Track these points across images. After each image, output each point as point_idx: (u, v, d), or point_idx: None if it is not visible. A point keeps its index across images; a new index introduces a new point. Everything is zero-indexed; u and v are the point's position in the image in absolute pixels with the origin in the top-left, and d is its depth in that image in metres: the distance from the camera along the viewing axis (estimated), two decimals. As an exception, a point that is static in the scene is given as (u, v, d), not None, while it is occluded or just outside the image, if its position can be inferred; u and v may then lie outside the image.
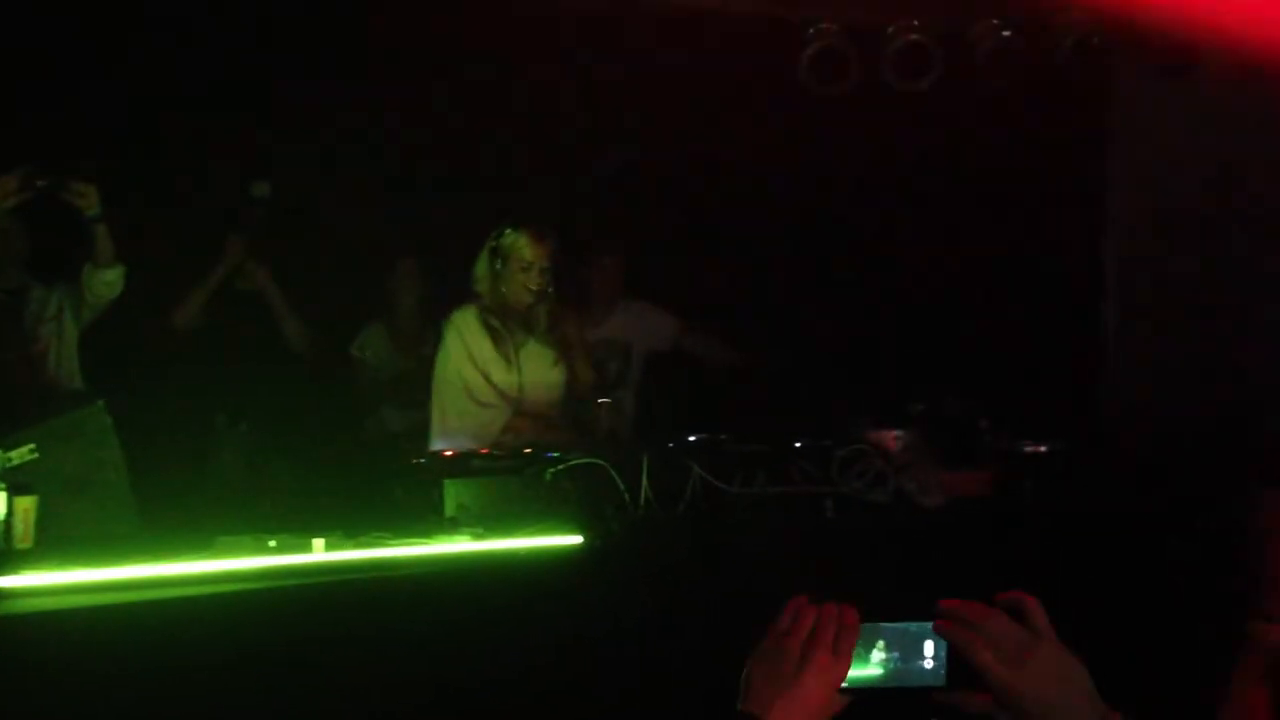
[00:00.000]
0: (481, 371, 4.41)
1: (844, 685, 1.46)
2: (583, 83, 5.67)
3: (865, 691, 1.47)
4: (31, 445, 3.23)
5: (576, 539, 3.44)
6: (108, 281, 4.40)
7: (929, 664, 1.47)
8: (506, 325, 4.45)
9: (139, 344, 4.91)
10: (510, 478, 3.69)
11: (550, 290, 4.46)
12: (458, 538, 3.42)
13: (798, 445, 4.00)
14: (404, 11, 5.32)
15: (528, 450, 3.94)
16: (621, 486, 3.68)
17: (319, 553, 3.21)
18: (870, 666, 1.47)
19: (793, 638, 1.47)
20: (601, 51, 5.60)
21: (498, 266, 4.40)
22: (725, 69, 5.75)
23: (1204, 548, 3.88)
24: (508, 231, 4.41)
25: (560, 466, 3.68)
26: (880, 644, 1.48)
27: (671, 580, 3.44)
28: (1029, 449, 4.42)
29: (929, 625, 1.46)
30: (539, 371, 4.49)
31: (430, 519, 3.56)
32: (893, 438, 4.15)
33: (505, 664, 3.13)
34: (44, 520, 3.17)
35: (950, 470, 4.11)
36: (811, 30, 5.63)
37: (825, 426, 4.25)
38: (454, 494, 3.60)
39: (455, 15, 5.32)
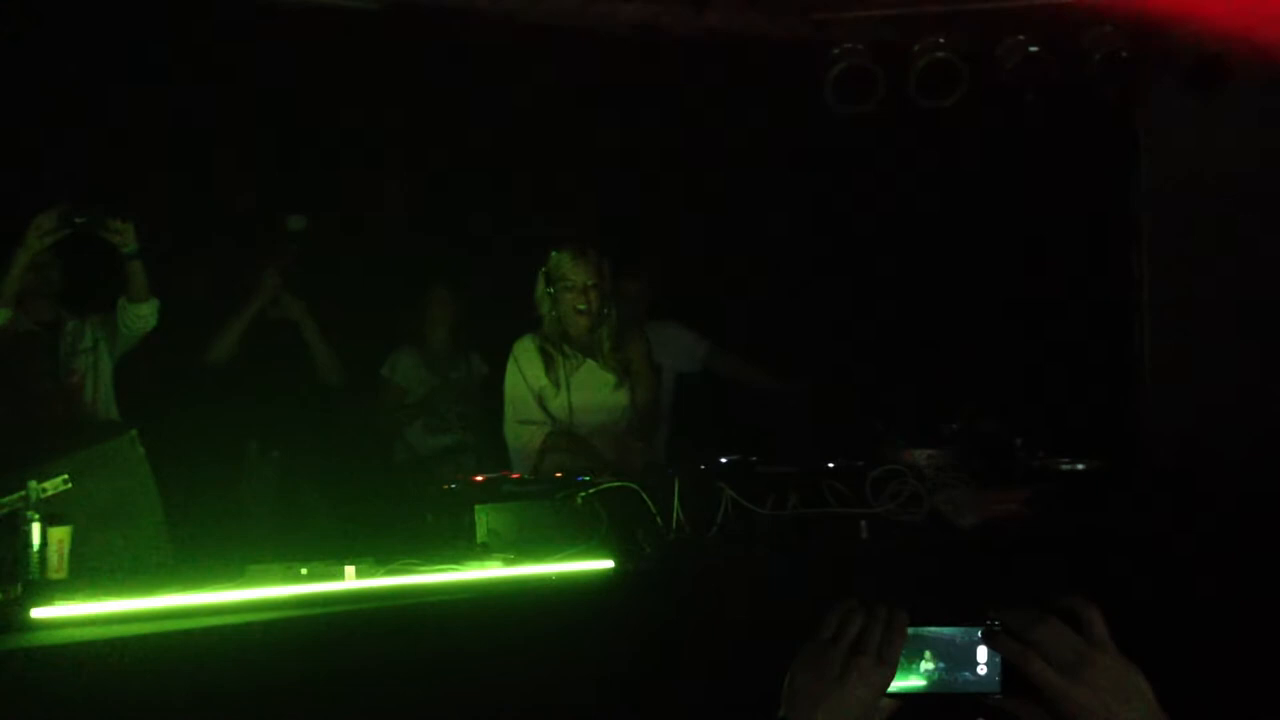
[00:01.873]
0: (533, 392, 4.47)
1: (890, 692, 1.43)
2: (611, 107, 5.68)
3: (912, 698, 1.45)
4: (65, 476, 3.25)
5: (609, 563, 3.41)
6: (142, 315, 4.45)
7: (982, 669, 1.44)
8: (562, 349, 4.51)
9: (172, 373, 4.94)
10: (542, 502, 3.68)
11: (609, 311, 4.51)
12: (489, 563, 3.40)
13: (830, 466, 3.97)
14: (430, 37, 5.36)
15: (559, 475, 3.93)
16: (653, 510, 3.65)
17: (350, 580, 3.20)
18: (917, 676, 1.45)
19: (838, 642, 1.44)
20: (630, 75, 5.61)
21: (551, 291, 4.48)
22: (752, 91, 5.75)
23: (1242, 567, 3.83)
24: (552, 254, 4.49)
25: (592, 490, 3.67)
26: (927, 653, 1.45)
27: (705, 604, 3.42)
28: (1064, 468, 4.38)
29: (978, 631, 1.43)
30: (594, 395, 4.52)
31: (462, 545, 3.54)
32: (927, 458, 4.12)
33: (539, 689, 3.11)
34: (77, 550, 3.18)
35: (985, 490, 4.07)
36: (836, 50, 5.62)
37: (858, 447, 4.22)
38: (485, 519, 3.59)
39: (484, 39, 5.36)
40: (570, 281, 4.44)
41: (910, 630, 1.44)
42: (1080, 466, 4.41)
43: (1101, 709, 1.36)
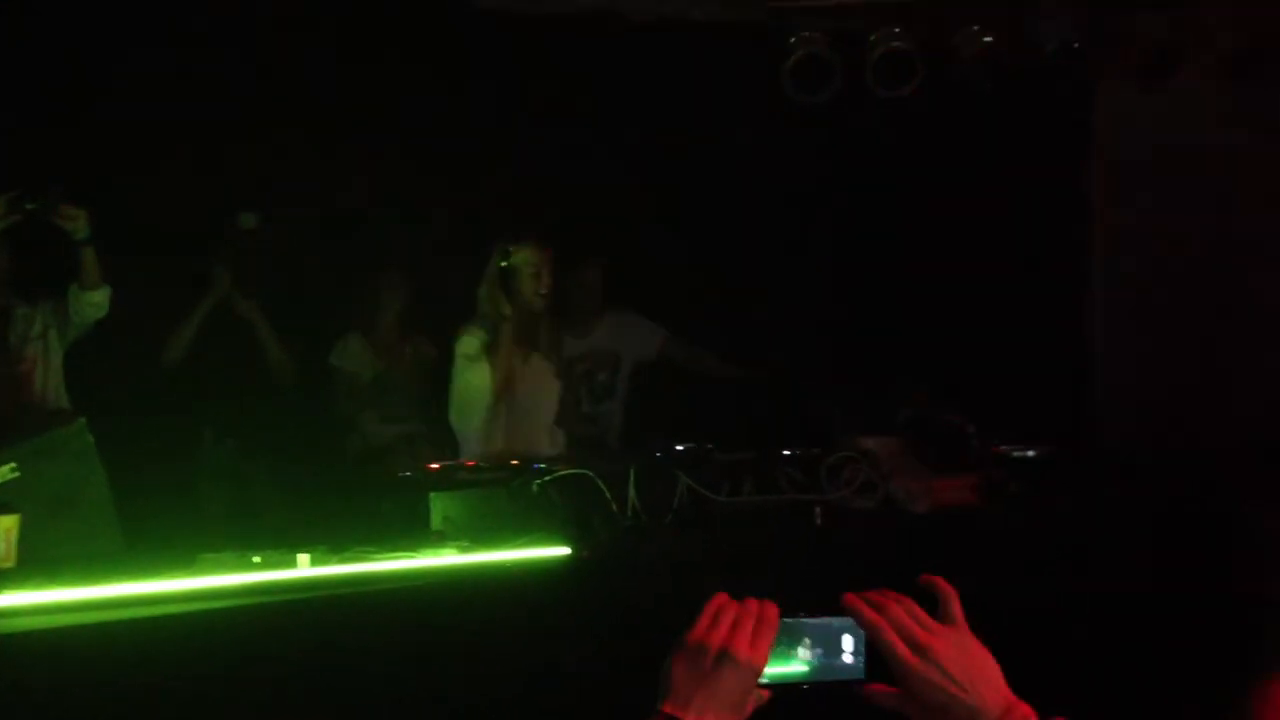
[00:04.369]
0: (480, 386, 4.53)
1: (767, 681, 1.46)
2: (560, 91, 5.67)
3: (791, 688, 1.48)
4: (13, 465, 3.21)
5: (564, 550, 3.42)
6: (94, 303, 4.40)
7: (849, 659, 1.47)
8: (506, 341, 4.57)
9: (124, 361, 4.90)
10: (497, 490, 3.68)
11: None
12: (444, 551, 3.39)
13: (785, 453, 3.99)
14: (388, 25, 5.33)
15: (514, 462, 3.93)
16: (609, 497, 3.66)
17: (304, 568, 3.18)
18: (796, 663, 1.48)
19: (712, 634, 1.47)
20: (581, 60, 5.60)
21: (513, 285, 4.56)
22: (708, 77, 5.76)
23: (1195, 550, 3.88)
24: (512, 249, 4.56)
25: (547, 478, 3.67)
26: (806, 640, 1.48)
27: (660, 591, 3.43)
28: (1016, 454, 4.43)
29: (850, 621, 1.47)
30: (537, 386, 4.63)
31: (416, 532, 3.54)
32: (881, 445, 4.15)
33: (493, 677, 3.11)
34: (26, 539, 3.14)
35: (938, 476, 4.11)
36: (794, 39, 5.63)
37: (813, 434, 4.24)
38: (440, 507, 3.58)
39: (440, 27, 5.34)
40: (535, 267, 4.55)
41: (787, 619, 1.48)
42: (1032, 453, 4.46)
43: (948, 687, 1.40)
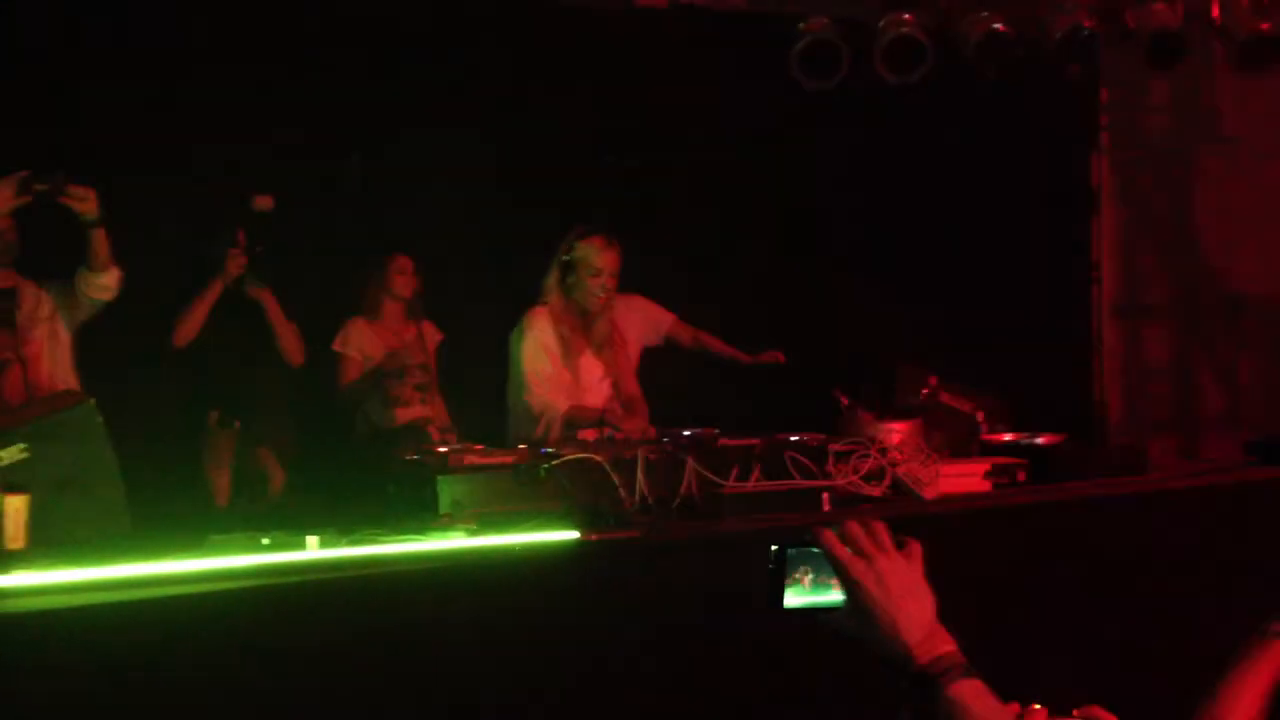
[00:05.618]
0: (549, 365, 4.55)
1: (809, 608, 1.56)
2: (572, 77, 5.66)
3: (831, 612, 1.56)
4: (23, 445, 3.22)
5: (572, 535, 3.42)
6: (103, 285, 4.38)
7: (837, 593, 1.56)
8: (570, 334, 4.61)
9: (132, 343, 4.90)
10: (504, 474, 3.68)
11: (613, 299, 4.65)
12: (452, 534, 3.40)
13: (794, 439, 3.99)
14: (395, 9, 5.33)
15: (522, 446, 3.93)
16: (616, 482, 3.66)
17: (312, 550, 3.19)
18: (833, 592, 1.56)
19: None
20: (592, 46, 5.60)
21: (570, 279, 4.57)
22: (715, 63, 5.75)
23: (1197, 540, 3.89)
24: (578, 244, 4.57)
25: (555, 462, 3.67)
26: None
27: (667, 576, 3.43)
28: (1025, 442, 4.43)
29: None
30: (586, 386, 4.64)
31: (424, 516, 3.54)
32: (889, 431, 4.15)
33: (500, 661, 3.11)
34: (36, 520, 3.15)
35: (946, 463, 4.11)
36: (801, 25, 5.63)
37: (821, 420, 4.24)
38: (448, 490, 3.58)
39: (446, 10, 5.33)
40: (596, 268, 4.55)
41: (819, 552, 1.56)
42: (1039, 441, 4.47)
43: (879, 596, 1.50)
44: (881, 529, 1.55)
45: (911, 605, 1.51)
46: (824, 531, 1.55)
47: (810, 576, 1.56)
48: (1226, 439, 5.39)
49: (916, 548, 1.56)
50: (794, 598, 1.56)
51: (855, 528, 1.55)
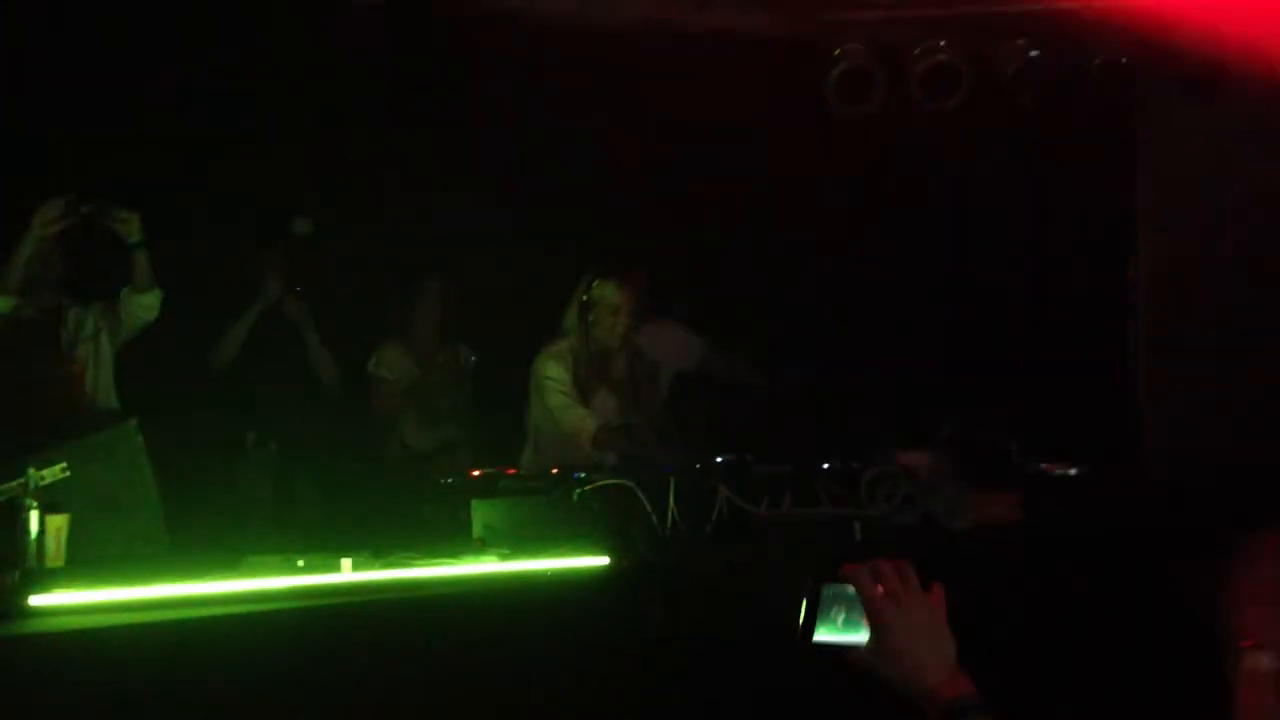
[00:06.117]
0: (567, 408, 4.61)
1: (838, 644, 1.59)
2: (605, 102, 5.69)
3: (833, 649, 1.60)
4: (63, 464, 3.25)
5: (603, 560, 3.43)
6: (146, 305, 4.48)
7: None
8: (586, 371, 4.67)
9: (171, 363, 4.96)
10: (537, 498, 3.70)
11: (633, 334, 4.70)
12: (485, 558, 3.42)
13: (825, 467, 3.99)
14: (432, 33, 5.37)
15: (555, 471, 3.95)
16: (648, 508, 3.68)
17: (347, 573, 3.22)
18: (864, 631, 1.59)
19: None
20: (626, 71, 5.62)
21: (590, 318, 4.63)
22: (751, 89, 5.76)
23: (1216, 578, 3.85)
24: (596, 284, 4.62)
25: (587, 487, 3.69)
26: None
27: (698, 602, 3.44)
28: (1058, 472, 4.41)
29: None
30: (600, 421, 4.66)
31: (458, 539, 3.56)
32: (921, 460, 4.13)
33: (532, 685, 3.13)
34: (75, 538, 3.19)
35: (979, 493, 4.09)
36: (838, 51, 5.63)
37: (853, 448, 4.24)
38: (481, 514, 3.60)
39: (484, 37, 5.37)
40: (615, 305, 4.62)
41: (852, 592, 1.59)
42: (1074, 470, 4.44)
43: (905, 636, 1.55)
44: (908, 569, 1.59)
45: (933, 648, 1.56)
46: (852, 569, 1.58)
47: (843, 615, 1.59)
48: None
49: (939, 591, 1.60)
50: (825, 634, 1.59)
51: (884, 567, 1.58)
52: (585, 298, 4.64)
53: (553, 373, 4.64)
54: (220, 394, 5.12)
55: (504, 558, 3.43)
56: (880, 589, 1.57)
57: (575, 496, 3.68)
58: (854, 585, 1.57)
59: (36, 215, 4.20)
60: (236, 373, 5.12)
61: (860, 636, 1.58)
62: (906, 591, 1.57)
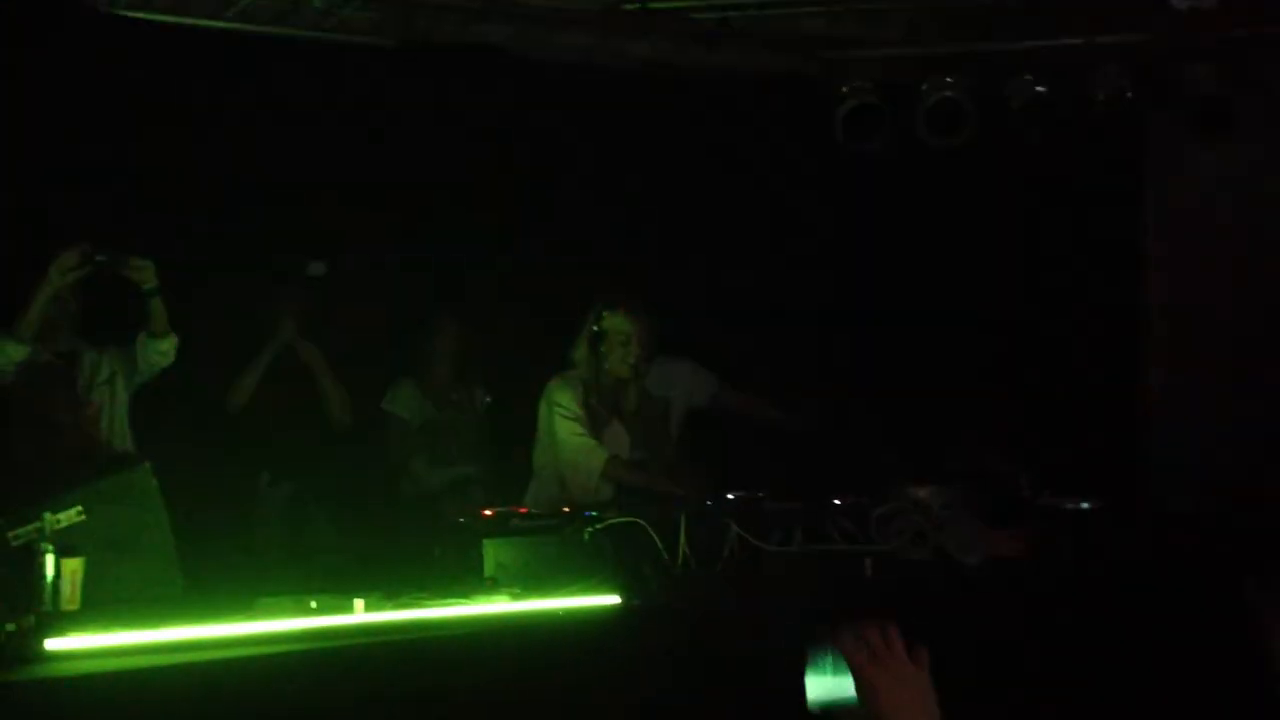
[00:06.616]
0: (577, 437, 4.57)
1: (842, 704, 1.61)
2: (615, 141, 5.73)
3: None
4: (79, 507, 3.28)
5: (615, 599, 3.44)
6: (162, 351, 4.53)
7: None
8: (597, 404, 4.64)
9: (185, 406, 4.99)
10: (549, 537, 3.71)
11: (644, 367, 4.65)
12: (497, 598, 3.43)
13: (836, 503, 4.00)
14: (444, 73, 5.42)
15: (566, 509, 3.96)
16: (659, 546, 3.68)
17: (359, 614, 3.23)
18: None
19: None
20: (635, 110, 5.67)
21: (601, 349, 4.59)
22: (762, 128, 5.80)
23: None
24: (605, 314, 4.58)
25: (598, 526, 3.70)
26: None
27: (710, 640, 3.44)
28: (1070, 507, 4.40)
29: None
30: (618, 450, 4.64)
31: (469, 579, 3.57)
32: (932, 495, 4.14)
33: (544, 725, 3.13)
34: (90, 581, 3.20)
35: (990, 528, 4.09)
36: (845, 88, 5.67)
37: (863, 484, 4.24)
38: (493, 554, 3.62)
39: (497, 76, 5.42)
40: (625, 335, 4.57)
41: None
42: (1086, 505, 4.43)
43: (886, 700, 1.57)
44: (892, 630, 1.61)
45: (922, 708, 1.58)
46: (839, 634, 1.61)
47: (831, 661, 1.61)
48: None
49: (924, 656, 1.62)
50: (815, 682, 1.62)
51: (867, 630, 1.61)
52: (595, 329, 4.60)
53: (564, 399, 4.58)
54: (234, 436, 5.15)
55: (516, 597, 3.44)
56: (857, 646, 1.59)
57: (586, 535, 3.69)
58: (838, 649, 1.60)
59: (53, 264, 4.27)
60: (251, 414, 5.15)
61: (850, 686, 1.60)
62: (890, 654, 1.59)
